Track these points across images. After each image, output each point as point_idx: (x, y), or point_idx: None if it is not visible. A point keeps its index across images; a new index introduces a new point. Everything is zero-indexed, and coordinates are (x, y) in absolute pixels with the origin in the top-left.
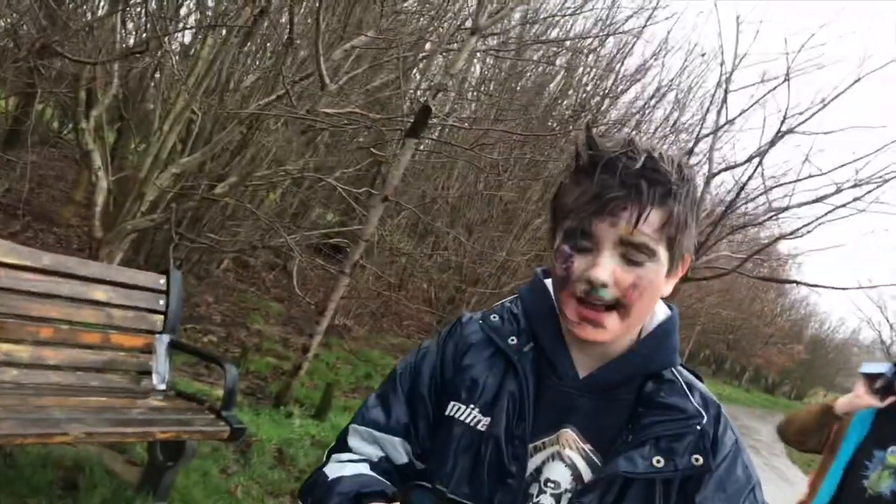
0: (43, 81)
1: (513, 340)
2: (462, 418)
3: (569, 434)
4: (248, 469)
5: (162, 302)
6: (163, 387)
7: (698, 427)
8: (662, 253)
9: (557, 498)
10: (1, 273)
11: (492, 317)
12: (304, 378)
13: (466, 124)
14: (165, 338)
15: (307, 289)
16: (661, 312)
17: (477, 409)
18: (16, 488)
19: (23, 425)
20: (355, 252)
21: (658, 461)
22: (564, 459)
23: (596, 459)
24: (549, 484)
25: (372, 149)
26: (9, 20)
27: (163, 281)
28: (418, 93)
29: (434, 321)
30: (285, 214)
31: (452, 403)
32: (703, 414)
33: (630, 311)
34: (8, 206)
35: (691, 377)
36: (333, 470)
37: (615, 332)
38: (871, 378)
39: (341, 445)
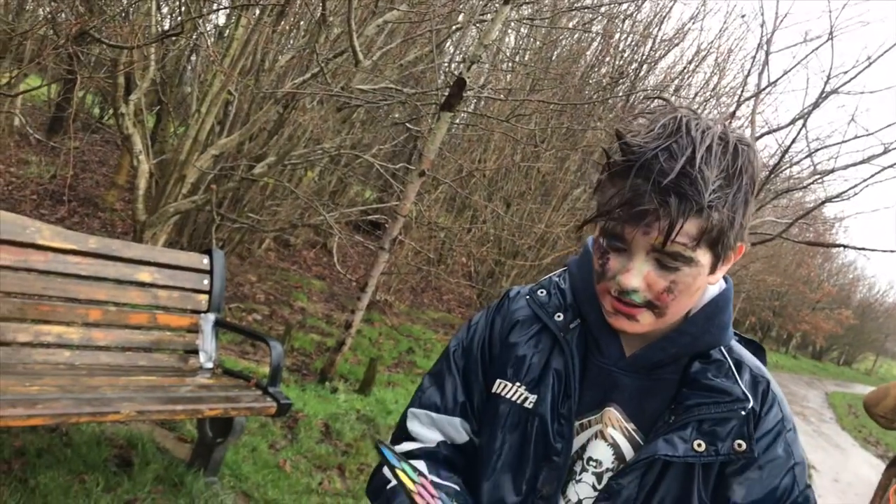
0: (82, 68)
1: (559, 317)
2: (509, 396)
3: (612, 413)
4: (295, 444)
5: (206, 282)
6: (210, 365)
7: (743, 412)
8: (703, 256)
9: (599, 477)
10: (49, 257)
11: (539, 292)
12: (348, 354)
13: (502, 96)
14: (211, 317)
15: (348, 265)
16: (713, 287)
17: (524, 387)
18: (73, 465)
19: (77, 404)
20: (394, 228)
21: (699, 445)
22: (607, 438)
23: (639, 439)
24: (591, 462)
25: (407, 124)
26: (48, 8)
27: (206, 261)
28: (452, 65)
29: (474, 295)
30: (324, 192)
31: (499, 381)
32: (750, 398)
33: (664, 311)
34: (54, 191)
35: (743, 354)
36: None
37: (649, 326)
38: None
39: (401, 432)
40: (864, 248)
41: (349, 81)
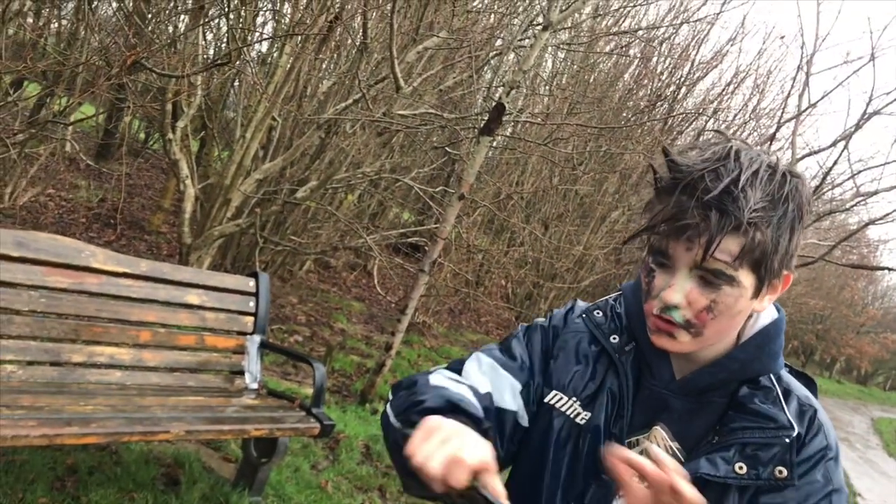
0: (131, 95)
1: (615, 339)
2: (563, 409)
3: (658, 431)
4: (337, 465)
5: (252, 304)
6: (255, 386)
7: (787, 439)
8: (745, 277)
9: None
10: (103, 279)
11: (595, 312)
12: (388, 375)
13: (540, 119)
14: (256, 338)
15: (387, 287)
16: (766, 316)
17: (579, 403)
18: (122, 484)
19: (129, 424)
20: (434, 250)
21: (741, 468)
22: (650, 456)
23: (681, 457)
24: (634, 479)
25: (446, 148)
26: (99, 38)
27: (252, 283)
28: (491, 90)
29: (512, 317)
30: (364, 215)
31: (555, 393)
32: (795, 426)
33: (702, 331)
34: (102, 215)
35: (791, 383)
36: (437, 378)
37: (686, 346)
38: None
39: (455, 366)
40: None
41: (390, 107)
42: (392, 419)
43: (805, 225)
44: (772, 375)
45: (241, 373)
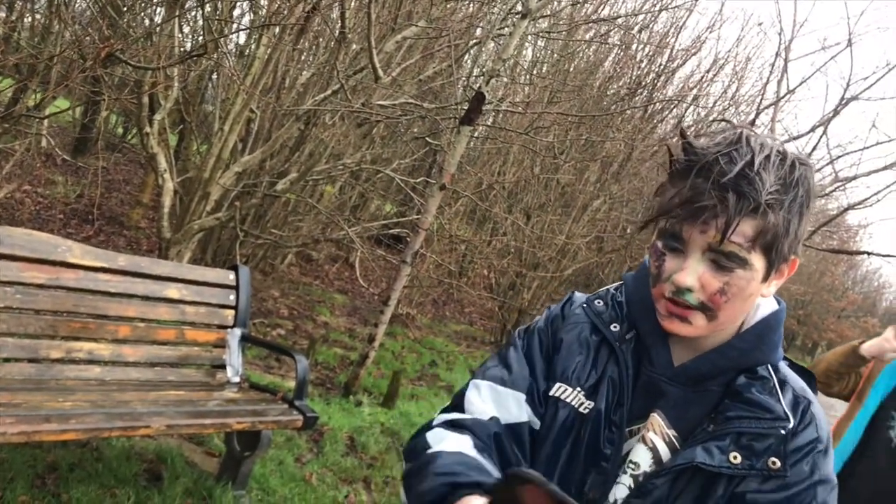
0: (107, 89)
1: (615, 327)
2: (568, 400)
3: (656, 419)
4: (321, 457)
5: (232, 297)
6: (237, 379)
7: (782, 431)
8: (757, 260)
9: (636, 479)
10: (80, 274)
11: (596, 301)
12: (372, 367)
13: (520, 108)
14: (237, 332)
15: (370, 279)
16: (767, 306)
17: (583, 393)
18: (104, 480)
19: (108, 419)
20: (416, 241)
21: (735, 457)
22: (647, 442)
23: (678, 445)
24: (630, 465)
25: (427, 138)
26: (73, 32)
27: (232, 277)
28: (471, 80)
29: (496, 307)
30: (345, 207)
31: (559, 385)
32: (791, 418)
33: (717, 314)
34: (80, 211)
35: (788, 375)
36: (434, 439)
37: (701, 330)
38: None
39: (457, 401)
40: (888, 255)
41: (369, 97)
42: (407, 501)
43: (811, 211)
44: (769, 366)
45: (223, 366)
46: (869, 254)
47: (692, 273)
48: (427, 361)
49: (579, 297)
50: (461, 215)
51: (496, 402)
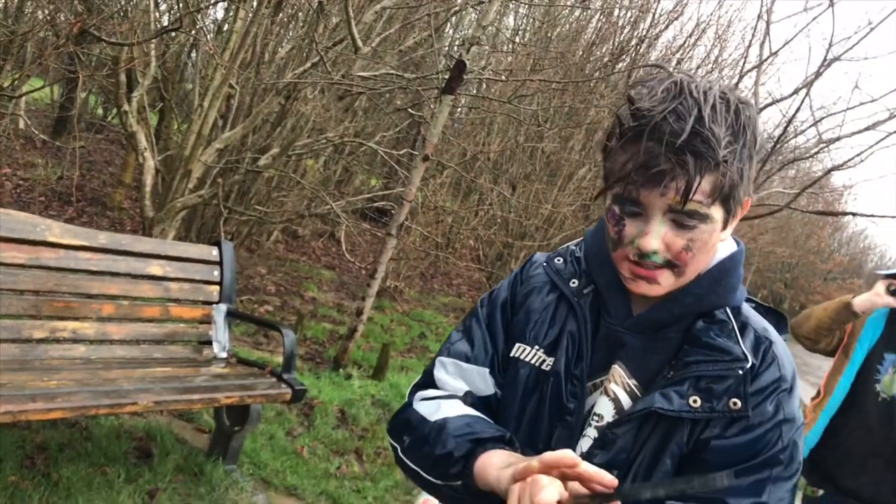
0: (83, 67)
1: (574, 283)
2: (528, 359)
3: (617, 370)
4: (312, 430)
5: (216, 273)
6: (224, 355)
7: (741, 371)
8: (716, 211)
9: (600, 430)
10: (60, 253)
11: (556, 259)
12: (361, 341)
13: (503, 77)
14: (223, 307)
15: (356, 254)
16: (724, 249)
17: (542, 351)
18: (94, 459)
19: (95, 397)
20: (401, 213)
21: (695, 401)
22: (609, 393)
23: (639, 394)
24: (594, 417)
25: (409, 109)
26: (47, 10)
27: (215, 252)
28: (452, 49)
29: (483, 278)
30: (329, 182)
31: (518, 345)
32: (749, 358)
33: (684, 269)
34: (61, 193)
35: (751, 317)
36: (428, 410)
37: (670, 287)
38: (892, 279)
39: (427, 378)
40: (872, 215)
41: (349, 69)
42: (426, 476)
43: (764, 159)
44: (728, 309)
45: (210, 343)
46: (853, 214)
47: (656, 236)
48: (416, 334)
49: (539, 257)
50: (446, 187)
51: (464, 377)
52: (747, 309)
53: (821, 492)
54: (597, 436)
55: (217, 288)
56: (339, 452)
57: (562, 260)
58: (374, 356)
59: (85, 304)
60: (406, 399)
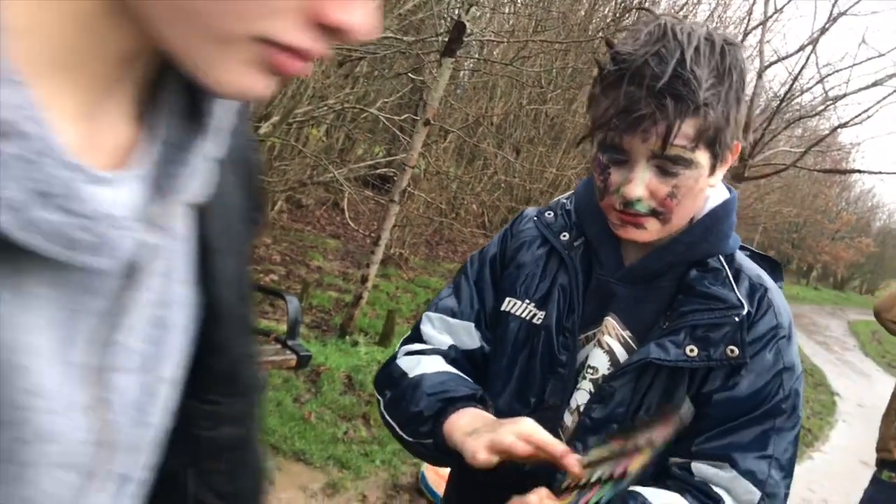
0: None
1: (564, 236)
2: (518, 313)
3: (610, 322)
4: (319, 396)
5: None
6: None
7: (737, 318)
8: (702, 157)
9: (595, 382)
10: None
11: (546, 213)
12: (367, 308)
13: (504, 38)
14: None
15: (360, 222)
16: (716, 197)
17: (533, 304)
18: None
19: None
20: (403, 179)
21: (691, 350)
22: (603, 346)
23: (634, 345)
24: (589, 370)
25: (410, 74)
26: None
27: None
28: (452, 11)
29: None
30: (332, 151)
31: (508, 299)
32: (745, 304)
33: (670, 217)
34: None
35: (744, 265)
36: (409, 365)
37: (657, 233)
38: None
39: (414, 333)
40: (879, 172)
41: None
42: (400, 432)
43: (747, 92)
44: (721, 257)
45: None
46: (860, 171)
47: (639, 183)
48: (422, 301)
49: (530, 211)
50: (450, 153)
51: (450, 332)
52: (741, 256)
53: None
54: (592, 389)
55: None
56: (347, 418)
57: (552, 214)
58: (379, 323)
59: None
60: (395, 351)
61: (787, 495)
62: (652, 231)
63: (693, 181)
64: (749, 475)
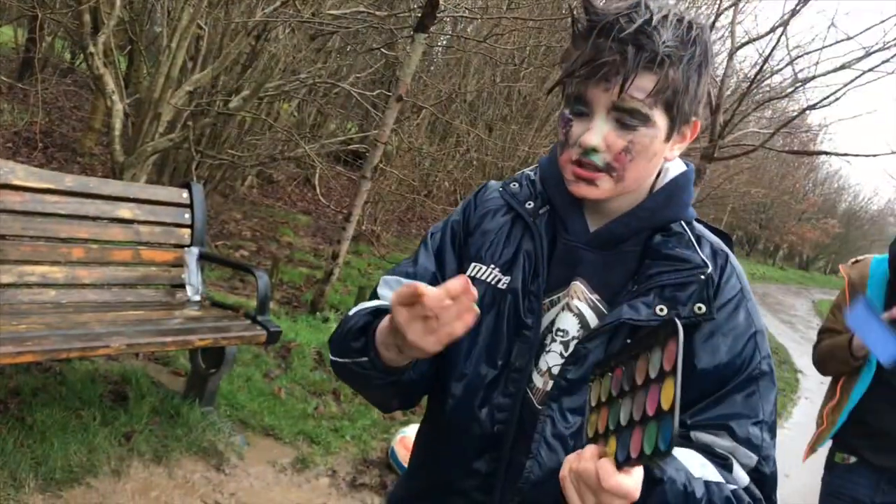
0: (43, 7)
1: (529, 205)
2: (483, 277)
3: (578, 286)
4: (289, 372)
5: (187, 216)
6: (197, 298)
7: (702, 276)
8: (659, 117)
9: (566, 345)
10: (26, 197)
11: (511, 184)
12: (338, 285)
13: (478, 15)
14: (195, 250)
15: (332, 198)
16: (675, 169)
17: (497, 269)
18: (68, 403)
19: (66, 340)
20: (375, 155)
21: (661, 309)
22: (572, 309)
23: (603, 308)
24: (559, 333)
25: (383, 49)
26: None
27: (185, 195)
28: None
29: None
30: (304, 126)
31: (474, 265)
32: (709, 264)
33: (623, 174)
34: (28, 139)
35: (704, 232)
36: (354, 310)
37: (608, 192)
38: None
39: (371, 296)
40: (845, 154)
41: (320, 7)
42: (337, 360)
43: (710, 73)
44: (683, 223)
45: (182, 286)
46: (827, 153)
47: (597, 132)
48: None
49: (494, 184)
50: (423, 130)
51: None
52: (699, 226)
53: (853, 459)
54: (563, 350)
55: (188, 231)
56: (317, 393)
57: (517, 184)
58: (351, 300)
59: (54, 248)
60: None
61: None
62: (604, 189)
63: (649, 140)
64: (746, 443)
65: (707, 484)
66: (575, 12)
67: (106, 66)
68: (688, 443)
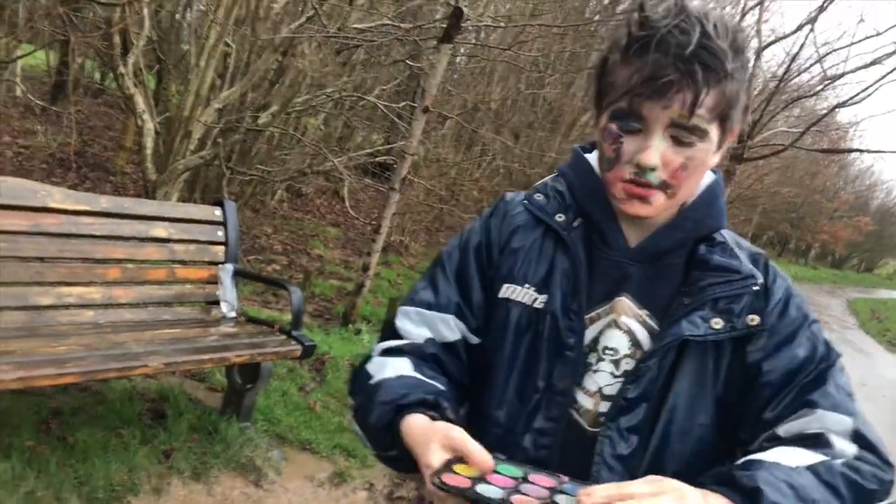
0: (76, 31)
1: (560, 217)
2: (519, 299)
3: (624, 302)
4: (324, 385)
5: (220, 233)
6: (233, 314)
7: (755, 287)
8: (714, 131)
9: (617, 363)
10: (62, 219)
11: (535, 196)
12: (369, 296)
13: (502, 23)
14: (229, 267)
15: (360, 210)
16: (706, 177)
17: (533, 289)
18: (108, 422)
19: (105, 361)
20: (403, 167)
21: (717, 323)
22: (621, 326)
23: (652, 323)
24: (607, 351)
25: (407, 61)
26: None
27: (218, 212)
28: None
29: None
30: (331, 139)
31: (507, 286)
32: (758, 274)
33: (677, 191)
34: (62, 159)
35: (736, 236)
36: (375, 368)
37: (660, 209)
38: None
39: (389, 329)
40: (878, 151)
41: (345, 22)
42: (366, 443)
43: (750, 83)
44: (722, 232)
45: (217, 303)
46: (859, 151)
47: (656, 152)
48: None
49: (514, 196)
50: (448, 139)
51: (428, 324)
52: (728, 231)
53: None
54: (614, 370)
55: (222, 248)
56: None
57: (542, 196)
58: (382, 311)
59: (90, 269)
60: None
61: None
62: (656, 206)
63: (704, 154)
64: (834, 408)
65: (812, 468)
66: (627, 25)
67: (136, 86)
68: (777, 442)
